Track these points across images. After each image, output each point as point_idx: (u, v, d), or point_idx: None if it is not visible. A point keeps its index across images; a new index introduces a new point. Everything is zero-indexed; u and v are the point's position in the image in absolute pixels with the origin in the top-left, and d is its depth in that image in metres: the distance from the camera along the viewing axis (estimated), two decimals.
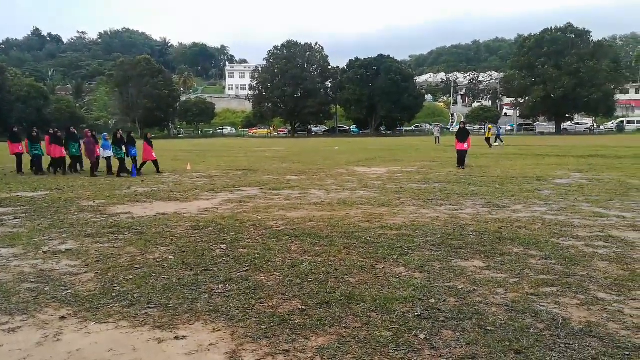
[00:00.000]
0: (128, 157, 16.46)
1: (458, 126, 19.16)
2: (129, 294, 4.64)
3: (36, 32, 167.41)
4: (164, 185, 13.49)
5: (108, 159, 16.76)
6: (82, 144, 16.95)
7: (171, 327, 3.91)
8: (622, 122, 68.99)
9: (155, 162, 17.12)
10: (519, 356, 3.30)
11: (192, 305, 4.33)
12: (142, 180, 14.66)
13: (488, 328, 3.76)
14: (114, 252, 6.20)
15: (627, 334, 3.63)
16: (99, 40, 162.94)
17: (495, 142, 31.73)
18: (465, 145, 17.32)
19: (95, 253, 6.16)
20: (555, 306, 4.21)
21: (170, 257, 5.92)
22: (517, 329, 3.72)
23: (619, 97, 76.41)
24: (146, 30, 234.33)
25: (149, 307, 4.30)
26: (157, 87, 73.78)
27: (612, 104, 68.05)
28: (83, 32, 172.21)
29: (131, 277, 5.14)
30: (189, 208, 9.58)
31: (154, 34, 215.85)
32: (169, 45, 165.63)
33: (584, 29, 67.00)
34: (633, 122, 68.01)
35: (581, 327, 3.77)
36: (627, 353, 3.32)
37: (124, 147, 16.30)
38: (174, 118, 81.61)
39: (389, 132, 77.18)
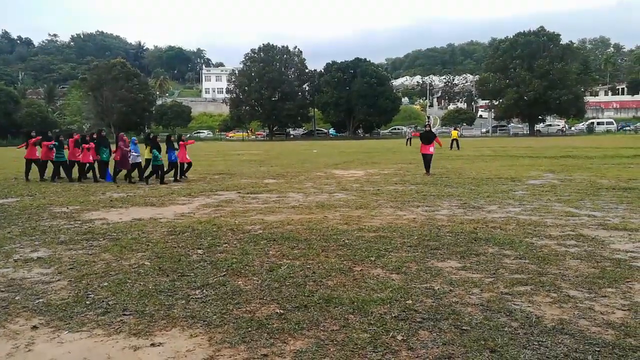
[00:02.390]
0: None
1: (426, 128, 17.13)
2: (103, 301, 4.56)
3: (5, 35, 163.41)
4: (139, 190, 13.31)
5: (137, 164, 15.61)
6: (118, 148, 15.71)
7: (147, 334, 3.85)
8: (592, 123, 70.78)
9: (189, 165, 16.09)
10: (494, 355, 3.36)
11: (169, 312, 4.28)
12: (118, 186, 14.43)
13: (464, 328, 3.81)
14: (88, 259, 6.09)
15: (597, 331, 3.73)
16: (72, 44, 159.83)
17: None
18: (431, 149, 15.80)
19: (69, 260, 6.03)
20: (529, 304, 4.29)
21: (146, 263, 5.85)
22: (492, 328, 3.79)
23: (589, 99, 78.53)
24: (120, 33, 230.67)
25: (125, 314, 4.23)
26: (132, 90, 72.84)
27: (582, 106, 69.83)
28: (55, 35, 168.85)
29: (106, 284, 5.06)
30: (165, 213, 9.47)
31: (129, 37, 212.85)
32: (144, 48, 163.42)
33: (554, 32, 68.68)
34: (602, 124, 69.84)
35: (554, 324, 3.85)
36: (598, 349, 3.41)
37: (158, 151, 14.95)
38: (150, 122, 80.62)
39: (366, 135, 77.66)
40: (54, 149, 16.09)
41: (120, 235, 7.42)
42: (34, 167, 16.20)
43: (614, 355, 3.32)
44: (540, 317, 4.00)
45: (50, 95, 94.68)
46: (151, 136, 15.99)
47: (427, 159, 15.77)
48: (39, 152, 16.25)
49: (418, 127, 65.23)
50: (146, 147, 15.48)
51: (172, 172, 15.41)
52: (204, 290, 4.80)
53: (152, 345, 3.66)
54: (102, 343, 3.71)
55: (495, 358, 3.31)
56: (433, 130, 17.48)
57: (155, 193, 12.46)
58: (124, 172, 15.87)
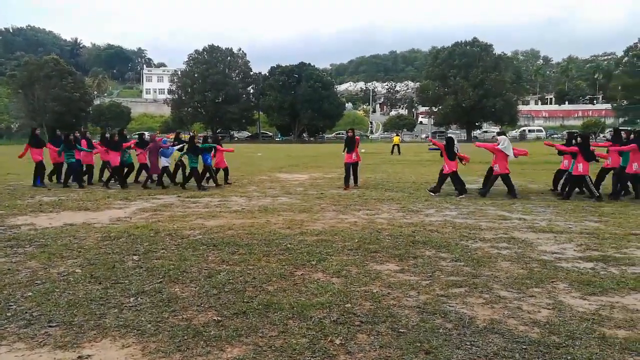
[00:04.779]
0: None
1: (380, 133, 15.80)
2: (27, 312, 4.28)
3: None
4: (73, 193, 12.67)
5: (165, 168, 14.19)
6: (146, 150, 14.13)
7: (75, 346, 3.65)
8: (524, 130, 74.59)
9: (225, 170, 14.96)
10: (429, 356, 3.44)
11: (100, 321, 4.09)
12: (49, 189, 13.66)
13: (401, 330, 3.88)
14: (11, 267, 5.71)
15: (524, 329, 3.91)
16: None
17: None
18: (354, 156, 13.83)
19: None
20: (463, 306, 4.44)
21: (77, 270, 5.56)
22: (427, 330, 3.88)
23: (521, 107, 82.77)
24: (54, 28, 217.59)
25: (50, 326, 3.99)
26: (66, 89, 69.26)
27: (515, 114, 73.55)
28: None
29: (30, 294, 4.76)
30: (99, 217, 9.07)
31: (63, 33, 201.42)
32: (81, 45, 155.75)
33: (487, 43, 72.10)
34: (533, 131, 73.73)
35: (485, 324, 4.00)
36: (525, 347, 3.57)
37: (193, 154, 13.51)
38: (87, 122, 77.08)
39: (311, 139, 77.98)
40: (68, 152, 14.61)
41: (49, 242, 7.02)
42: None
43: (539, 352, 3.49)
44: (473, 317, 4.15)
45: None
46: (180, 136, 14.96)
47: (354, 168, 13.91)
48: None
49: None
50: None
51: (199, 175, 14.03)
52: (139, 298, 4.63)
53: (80, 357, 3.48)
54: (23, 358, 3.48)
55: (430, 359, 3.39)
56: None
57: (90, 197, 11.90)
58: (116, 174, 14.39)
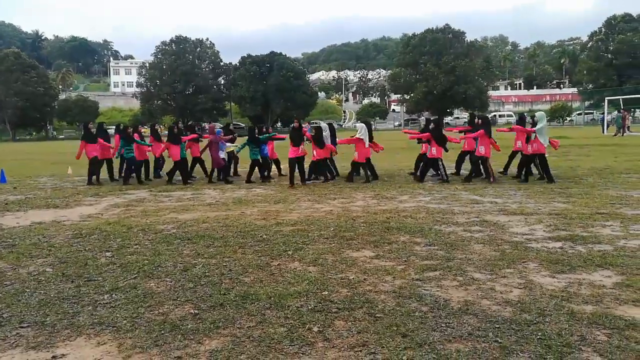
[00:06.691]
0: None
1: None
2: None
3: None
4: (40, 191, 12.34)
5: (223, 159, 13.51)
6: (210, 142, 13.41)
7: (48, 346, 3.58)
8: (495, 116, 75.85)
9: (276, 162, 14.72)
10: (405, 339, 3.50)
11: (73, 320, 4.01)
12: (15, 187, 13.27)
13: (377, 315, 3.93)
14: None
15: (497, 309, 4.01)
16: None
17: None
18: (300, 149, 12.43)
19: None
20: (438, 289, 4.52)
21: (47, 269, 5.44)
22: (403, 314, 3.94)
23: (491, 93, 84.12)
24: (13, 21, 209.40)
25: (22, 327, 3.90)
26: (29, 83, 67.14)
27: (486, 99, 74.68)
28: None
29: (0, 295, 4.64)
30: (70, 215, 8.87)
31: (24, 26, 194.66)
32: (43, 38, 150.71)
33: (459, 29, 72.86)
34: (503, 116, 75.07)
35: (459, 306, 4.09)
36: (497, 326, 3.67)
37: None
38: (52, 118, 75.02)
39: (285, 129, 77.69)
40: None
41: (17, 241, 6.84)
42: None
43: (511, 330, 3.59)
44: (447, 300, 4.23)
45: None
46: (231, 126, 14.43)
47: (299, 163, 12.45)
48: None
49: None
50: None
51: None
52: (113, 295, 4.56)
53: (54, 357, 3.41)
54: None
55: (407, 342, 3.45)
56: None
57: (59, 194, 11.62)
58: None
